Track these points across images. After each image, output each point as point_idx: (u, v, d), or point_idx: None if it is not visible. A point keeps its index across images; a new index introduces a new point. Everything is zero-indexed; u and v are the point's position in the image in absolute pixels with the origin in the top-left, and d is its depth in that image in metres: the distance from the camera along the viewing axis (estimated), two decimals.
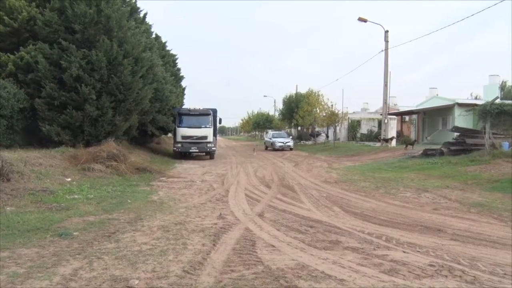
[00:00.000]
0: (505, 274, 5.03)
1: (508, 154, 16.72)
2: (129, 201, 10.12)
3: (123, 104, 18.57)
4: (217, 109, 28.80)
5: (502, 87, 52.50)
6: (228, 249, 6.04)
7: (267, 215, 8.78)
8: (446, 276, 4.94)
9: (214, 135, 28.25)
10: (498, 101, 32.84)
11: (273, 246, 6.26)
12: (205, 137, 26.42)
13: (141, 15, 24.84)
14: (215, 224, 7.80)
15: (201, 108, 27.51)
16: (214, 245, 6.26)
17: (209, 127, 26.72)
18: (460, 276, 4.94)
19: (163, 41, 32.31)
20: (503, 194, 11.26)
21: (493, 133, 20.66)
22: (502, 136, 22.27)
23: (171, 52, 34.20)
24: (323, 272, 5.06)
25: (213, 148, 27.27)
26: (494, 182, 12.81)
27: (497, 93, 35.92)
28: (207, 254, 5.78)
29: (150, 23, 26.88)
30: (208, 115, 27.02)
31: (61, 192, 10.43)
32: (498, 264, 5.40)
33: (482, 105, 32.60)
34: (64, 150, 15.88)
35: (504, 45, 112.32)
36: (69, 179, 12.45)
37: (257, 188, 13.07)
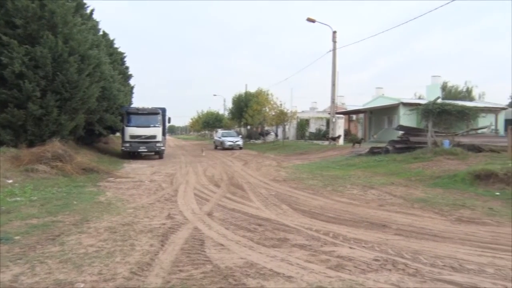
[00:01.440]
0: (444, 265, 5.27)
1: (449, 152, 17.45)
2: (75, 202, 9.83)
3: (69, 102, 18.02)
4: (167, 108, 28.51)
5: (444, 87, 54.75)
6: (177, 249, 5.99)
7: (216, 214, 8.77)
8: (390, 270, 5.11)
9: (163, 134, 27.92)
10: (439, 101, 34.37)
11: (222, 245, 6.26)
12: (154, 137, 26.10)
13: (88, 11, 24.12)
14: (164, 224, 7.71)
15: (150, 107, 27.16)
16: (162, 245, 6.19)
17: (158, 126, 26.41)
18: (403, 269, 5.12)
19: (111, 38, 31.58)
20: (444, 190, 11.79)
21: (435, 132, 21.51)
22: (443, 134, 23.21)
23: (119, 50, 33.48)
24: (271, 269, 5.11)
25: (162, 148, 26.94)
26: (436, 179, 13.34)
27: (438, 93, 37.41)
28: (155, 254, 5.71)
29: (97, 20, 26.19)
30: (157, 114, 26.69)
31: (1, 194, 10.01)
32: (438, 257, 5.64)
33: (424, 104, 34.00)
34: (5, 150, 15.22)
35: (446, 46, 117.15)
36: (10, 181, 11.96)
37: (206, 188, 13.02)
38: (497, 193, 10.94)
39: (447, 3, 29.94)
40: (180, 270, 5.06)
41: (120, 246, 6.14)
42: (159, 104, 28.26)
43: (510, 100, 55.58)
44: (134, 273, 4.94)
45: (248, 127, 57.17)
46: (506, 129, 26.98)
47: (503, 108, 38.39)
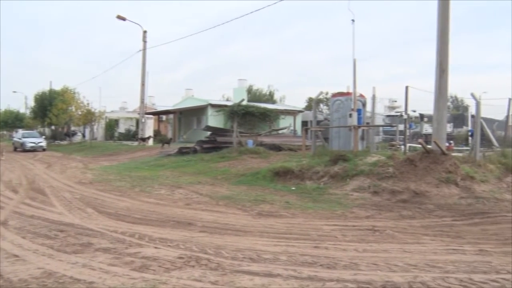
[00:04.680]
0: (244, 257, 5.60)
1: (253, 151, 18.71)
2: None
3: None
4: None
5: (249, 90, 58.37)
6: None
7: (12, 222, 7.95)
8: (193, 266, 5.25)
9: None
10: (244, 103, 36.51)
11: (17, 256, 5.71)
12: None
13: None
14: None
15: None
16: None
17: None
18: (206, 264, 5.31)
19: None
20: (247, 187, 12.59)
21: (240, 132, 22.82)
22: (247, 134, 24.78)
23: None
24: (72, 277, 4.85)
25: None
26: (240, 176, 14.17)
27: (244, 95, 39.64)
28: None
29: None
30: None
31: None
32: (239, 250, 5.99)
33: (230, 106, 35.86)
34: None
35: (252, 52, 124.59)
36: None
37: (1, 194, 11.72)
38: (293, 188, 12.11)
39: (252, 12, 32.07)
40: None
41: None
42: None
43: (306, 104, 61.78)
44: None
45: (53, 127, 53.56)
46: (302, 130, 29.94)
47: (300, 111, 42.76)
